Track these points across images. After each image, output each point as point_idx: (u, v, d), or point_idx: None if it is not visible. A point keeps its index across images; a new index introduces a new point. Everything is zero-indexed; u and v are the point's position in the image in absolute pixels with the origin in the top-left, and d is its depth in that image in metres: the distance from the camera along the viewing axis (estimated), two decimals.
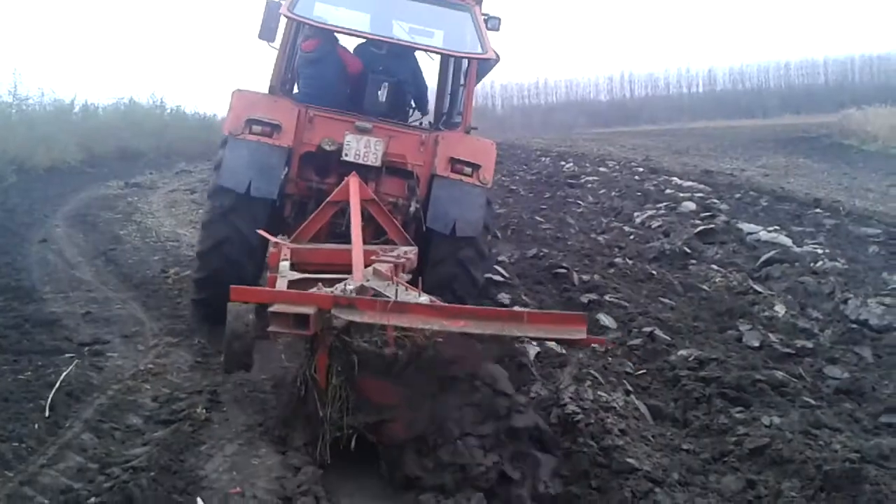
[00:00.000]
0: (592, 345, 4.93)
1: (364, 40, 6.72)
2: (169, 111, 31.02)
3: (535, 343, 5.40)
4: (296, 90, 6.86)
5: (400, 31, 6.60)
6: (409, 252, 5.33)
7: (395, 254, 5.08)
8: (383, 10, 6.67)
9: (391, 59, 6.67)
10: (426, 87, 7.24)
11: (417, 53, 6.87)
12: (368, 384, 3.99)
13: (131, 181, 16.70)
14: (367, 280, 4.41)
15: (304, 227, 5.64)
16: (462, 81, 7.04)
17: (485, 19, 6.51)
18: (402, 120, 6.76)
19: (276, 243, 5.31)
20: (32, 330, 5.69)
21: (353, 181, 5.62)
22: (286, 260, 4.90)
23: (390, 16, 6.67)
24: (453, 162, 6.09)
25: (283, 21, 6.37)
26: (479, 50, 6.25)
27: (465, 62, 6.83)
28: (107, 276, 7.95)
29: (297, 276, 4.67)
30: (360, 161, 6.02)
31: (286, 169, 6.11)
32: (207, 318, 5.98)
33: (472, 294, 6.05)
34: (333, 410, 3.98)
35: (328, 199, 5.70)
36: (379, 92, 6.50)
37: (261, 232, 5.66)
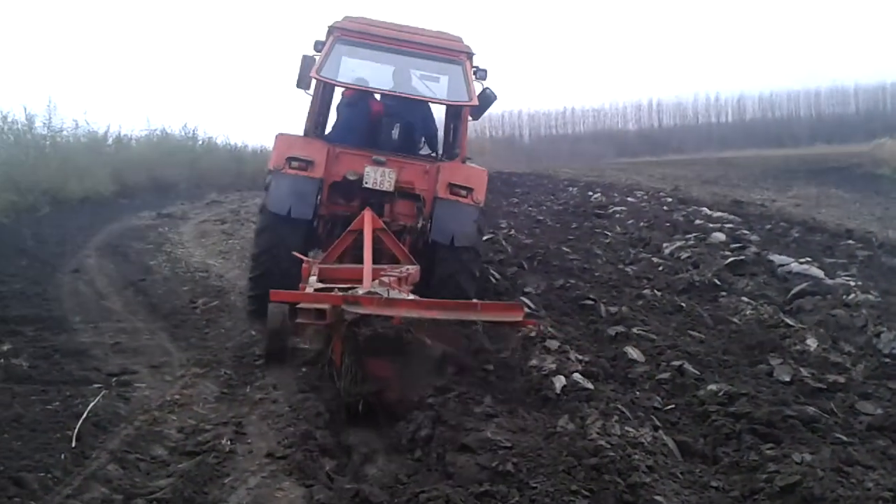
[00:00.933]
0: (530, 327, 6.05)
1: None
2: (201, 142, 31.40)
3: (561, 375, 5.36)
4: (329, 129, 8.31)
5: (415, 80, 8.18)
6: (412, 269, 6.65)
7: (399, 270, 6.40)
8: (396, 64, 8.12)
9: (403, 104, 8.06)
10: (435, 127, 8.68)
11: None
12: (370, 362, 5.11)
13: (163, 212, 16.91)
14: (373, 288, 5.57)
15: (330, 251, 7.03)
16: (464, 116, 8.31)
17: (474, 71, 7.88)
18: (411, 153, 8.06)
19: (307, 262, 6.59)
20: (62, 360, 5.76)
21: (367, 214, 6.99)
22: (314, 275, 6.20)
23: (405, 67, 8.10)
24: (451, 186, 7.43)
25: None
26: (465, 98, 7.67)
27: (465, 94, 7.83)
28: (136, 306, 8.04)
29: (320, 285, 5.94)
30: (378, 188, 7.42)
31: (319, 195, 7.40)
32: (258, 311, 6.89)
33: (471, 285, 7.45)
34: (346, 382, 5.08)
35: (348, 228, 7.06)
36: (392, 131, 8.03)
37: (295, 254, 6.83)
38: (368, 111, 8.11)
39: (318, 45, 7.83)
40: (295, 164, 7.34)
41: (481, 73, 8.04)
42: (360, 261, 6.39)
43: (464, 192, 7.46)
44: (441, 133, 8.82)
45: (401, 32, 7.95)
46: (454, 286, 7.18)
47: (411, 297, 5.74)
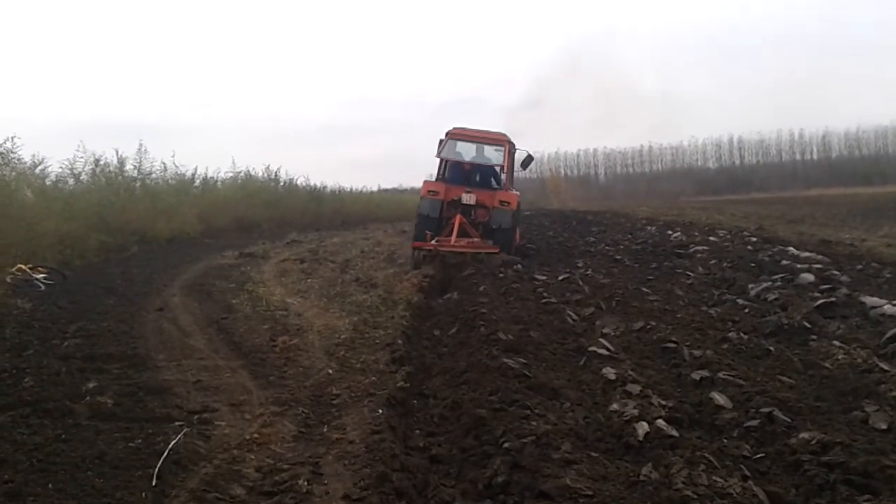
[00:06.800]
0: (503, 256, 14.18)
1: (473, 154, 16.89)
2: (282, 183, 32.19)
3: (643, 421, 5.20)
4: (445, 175, 16.47)
5: (492, 152, 16.49)
6: (475, 240, 14.84)
7: (469, 240, 14.76)
8: (477, 146, 16.67)
9: (482, 162, 16.56)
10: (498, 174, 16.55)
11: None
12: (448, 270, 13.42)
13: (245, 251, 17.33)
14: (453, 244, 14.20)
15: (444, 231, 15.04)
16: (507, 170, 16.72)
17: (513, 149, 16.71)
18: (484, 187, 16.16)
19: (428, 235, 14.78)
20: (145, 397, 5.87)
21: (458, 217, 15.08)
22: (433, 241, 14.39)
23: (480, 148, 16.64)
24: (500, 202, 15.51)
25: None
26: (499, 163, 16.27)
27: (505, 162, 16.41)
28: (218, 344, 8.17)
29: (434, 243, 14.22)
30: (468, 203, 15.55)
31: (441, 207, 15.56)
32: (413, 256, 14.55)
33: (509, 245, 15.17)
34: (437, 278, 12.92)
35: (450, 222, 15.11)
36: (476, 177, 16.37)
37: (427, 233, 14.94)
38: (463, 168, 16.38)
39: (440, 140, 16.39)
40: (430, 193, 15.74)
41: (512, 149, 16.68)
42: (459, 236, 14.75)
43: (506, 204, 15.56)
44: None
45: (479, 132, 16.57)
46: (500, 243, 14.70)
47: (462, 245, 14.28)
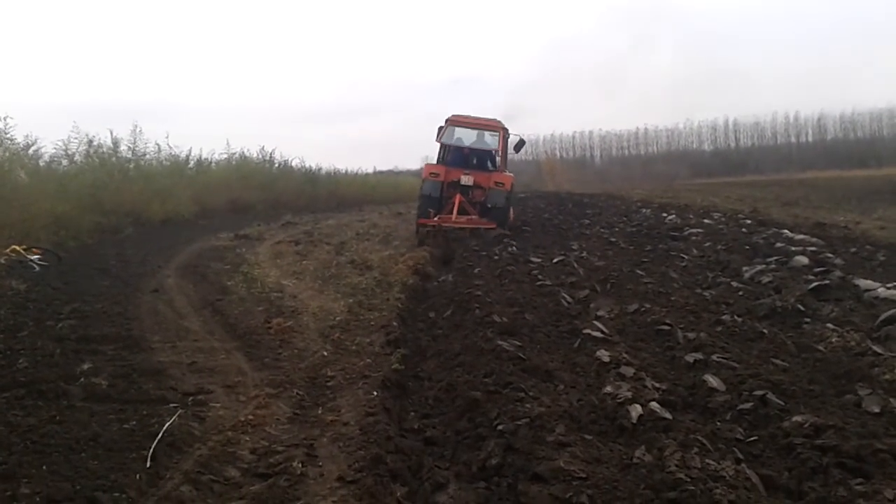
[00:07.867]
0: (498, 229, 16.16)
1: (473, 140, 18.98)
2: (277, 165, 32.07)
3: (637, 404, 5.21)
4: (446, 158, 18.14)
5: (488, 137, 18.48)
6: (474, 217, 16.73)
7: (468, 217, 16.66)
8: (476, 132, 18.53)
9: (476, 149, 18.37)
10: (494, 157, 18.44)
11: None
12: (450, 244, 14.80)
13: (240, 233, 17.30)
14: (454, 221, 16.27)
15: (444, 210, 16.73)
16: (501, 154, 18.36)
17: (507, 134, 18.41)
18: (481, 169, 17.98)
19: (431, 213, 16.60)
20: (139, 379, 5.87)
21: (457, 196, 16.83)
22: (436, 218, 16.26)
23: (479, 134, 18.58)
24: (496, 183, 17.15)
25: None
26: (496, 148, 18.31)
27: (500, 146, 18.23)
28: (213, 325, 8.16)
29: (436, 220, 16.20)
30: (467, 184, 17.25)
31: (441, 187, 17.15)
32: (418, 232, 16.74)
33: (504, 222, 16.84)
34: (441, 252, 14.16)
35: (450, 201, 16.80)
36: (473, 160, 18.28)
37: (430, 211, 16.68)
38: (462, 151, 18.16)
39: (440, 127, 17.99)
40: (432, 175, 17.28)
41: (507, 133, 18.24)
42: (458, 214, 16.44)
43: (500, 185, 17.06)
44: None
45: (476, 119, 18.28)
46: (496, 220, 16.33)
47: (462, 222, 16.22)
